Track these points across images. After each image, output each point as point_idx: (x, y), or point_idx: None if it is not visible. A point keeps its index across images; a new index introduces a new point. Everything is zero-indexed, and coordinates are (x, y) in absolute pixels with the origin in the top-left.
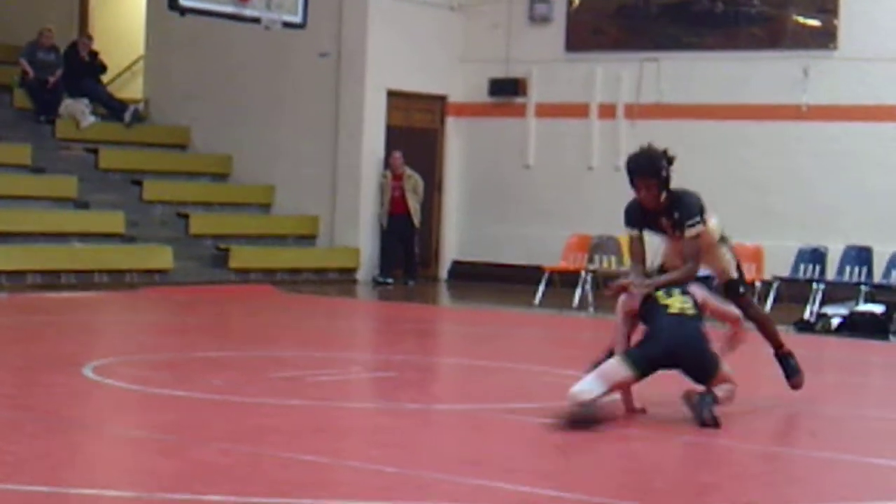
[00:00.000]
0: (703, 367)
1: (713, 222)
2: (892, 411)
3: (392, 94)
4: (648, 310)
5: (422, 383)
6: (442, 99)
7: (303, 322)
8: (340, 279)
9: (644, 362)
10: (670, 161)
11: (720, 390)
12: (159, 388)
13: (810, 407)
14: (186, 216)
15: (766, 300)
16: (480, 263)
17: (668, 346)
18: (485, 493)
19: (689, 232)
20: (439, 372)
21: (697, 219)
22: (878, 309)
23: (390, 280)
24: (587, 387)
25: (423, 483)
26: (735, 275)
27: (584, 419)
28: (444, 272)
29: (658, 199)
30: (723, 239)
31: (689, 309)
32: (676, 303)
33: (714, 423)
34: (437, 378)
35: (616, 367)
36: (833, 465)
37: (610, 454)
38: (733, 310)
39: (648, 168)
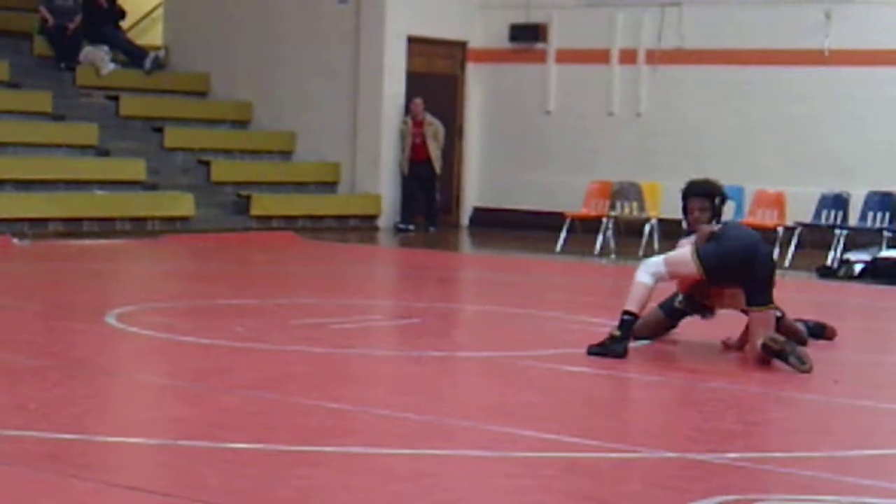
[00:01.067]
0: (768, 284)
1: None
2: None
3: (412, 41)
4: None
5: (444, 330)
6: (462, 45)
7: (324, 269)
8: (361, 226)
9: (715, 259)
10: (724, 198)
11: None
12: (182, 336)
13: (832, 353)
14: (207, 163)
15: (788, 246)
16: (501, 210)
17: (745, 246)
18: (510, 440)
19: None
20: (461, 319)
21: None
22: None
23: (411, 227)
24: (650, 270)
25: (448, 430)
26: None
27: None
28: (465, 219)
29: (697, 220)
30: None
31: None
32: None
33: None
34: (459, 325)
35: (685, 257)
36: (855, 411)
37: (632, 400)
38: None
39: (704, 190)
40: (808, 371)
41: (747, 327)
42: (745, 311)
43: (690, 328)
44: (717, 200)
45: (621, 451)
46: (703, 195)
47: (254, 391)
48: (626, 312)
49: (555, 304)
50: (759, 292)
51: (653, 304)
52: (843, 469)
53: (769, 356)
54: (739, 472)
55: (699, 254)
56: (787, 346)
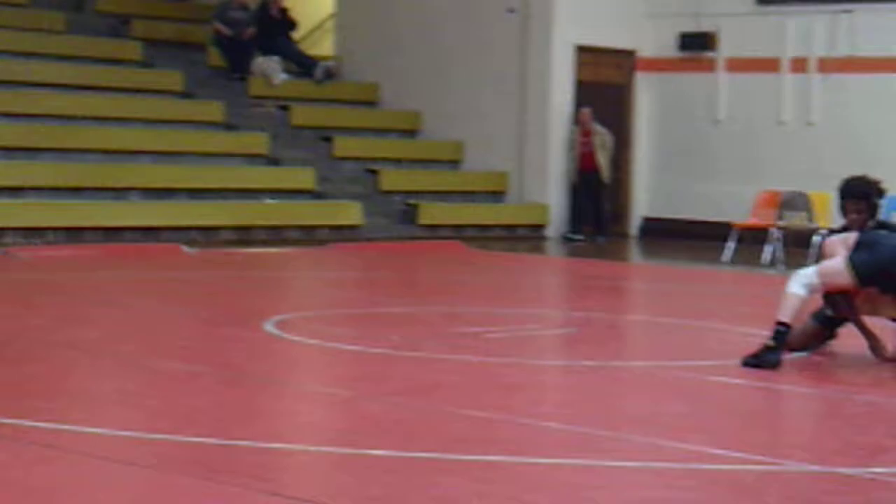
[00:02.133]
0: None
1: None
2: None
3: (580, 50)
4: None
5: (601, 340)
6: (631, 54)
7: (489, 278)
8: (529, 235)
9: (868, 268)
10: (881, 193)
11: None
12: (337, 343)
13: None
14: (376, 172)
15: None
16: (670, 220)
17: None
18: (654, 450)
19: None
20: (620, 329)
21: None
22: None
23: (580, 237)
24: (803, 281)
25: (592, 440)
26: None
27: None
28: (634, 229)
29: (864, 225)
30: None
31: None
32: None
33: None
34: (617, 335)
35: (838, 267)
36: None
37: (781, 412)
38: None
39: (859, 191)
40: None
41: None
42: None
43: (846, 339)
44: (873, 200)
45: (765, 464)
46: (859, 197)
47: (401, 399)
48: (779, 323)
49: (717, 314)
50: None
51: (806, 315)
52: None
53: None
54: (884, 487)
55: (853, 263)
56: None
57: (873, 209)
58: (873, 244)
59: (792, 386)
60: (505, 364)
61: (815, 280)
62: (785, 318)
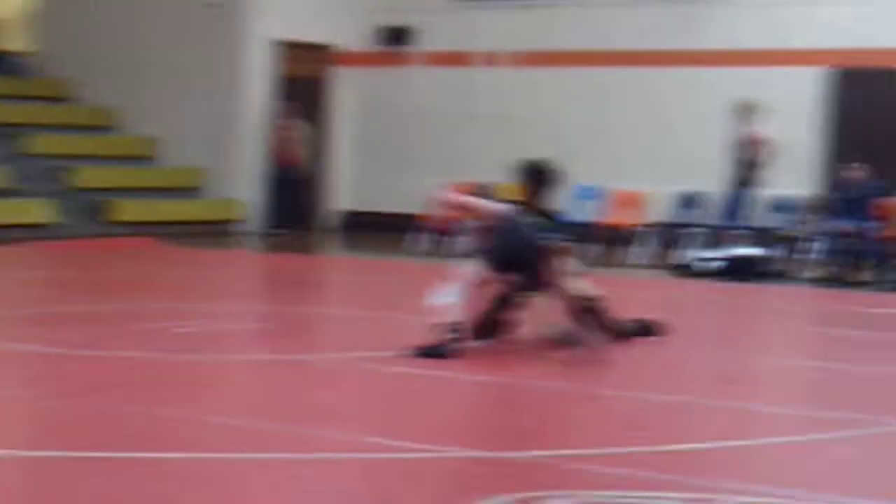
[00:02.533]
0: (540, 272)
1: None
2: (721, 352)
3: (279, 44)
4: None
5: (285, 334)
6: (329, 48)
7: (181, 274)
8: (227, 231)
9: (491, 258)
10: (546, 176)
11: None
12: (17, 344)
13: (659, 350)
14: (69, 169)
15: (646, 245)
16: (370, 213)
17: (511, 241)
18: (314, 441)
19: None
20: (307, 322)
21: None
22: (755, 252)
23: (279, 231)
24: (447, 299)
25: (260, 434)
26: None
27: (435, 354)
28: (333, 222)
29: (531, 199)
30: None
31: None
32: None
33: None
34: (302, 328)
35: (471, 269)
36: (667, 407)
37: (449, 400)
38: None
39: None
40: (589, 362)
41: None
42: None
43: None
44: (538, 181)
45: (423, 451)
46: (525, 178)
47: (77, 399)
48: (452, 316)
49: (406, 305)
50: (531, 281)
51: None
52: (643, 464)
53: (551, 343)
54: (541, 469)
55: (485, 254)
56: (565, 336)
57: (538, 190)
58: (503, 232)
59: (462, 374)
60: (190, 360)
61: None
62: (452, 318)
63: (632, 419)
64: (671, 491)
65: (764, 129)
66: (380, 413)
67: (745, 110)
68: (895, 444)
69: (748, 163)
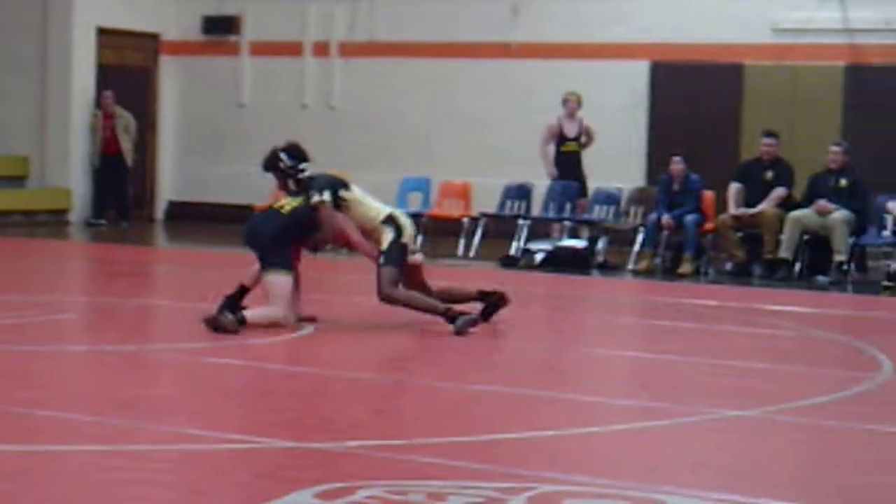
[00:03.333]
0: (266, 254)
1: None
2: (551, 342)
3: (103, 32)
4: None
5: (98, 325)
6: (155, 37)
7: (1, 265)
8: (52, 221)
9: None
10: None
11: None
12: None
13: (491, 342)
14: None
15: (473, 236)
16: (196, 203)
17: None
18: (131, 433)
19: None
20: (122, 313)
21: (316, 194)
22: (579, 244)
23: (103, 221)
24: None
25: (71, 425)
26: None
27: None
28: (159, 213)
29: (287, 187)
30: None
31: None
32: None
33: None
34: (116, 319)
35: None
36: (489, 397)
37: (268, 391)
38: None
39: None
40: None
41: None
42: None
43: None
44: (280, 165)
45: (242, 442)
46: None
47: None
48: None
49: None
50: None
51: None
52: (460, 454)
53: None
54: (354, 459)
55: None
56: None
57: (286, 172)
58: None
59: (282, 365)
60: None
61: None
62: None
63: (451, 409)
64: (486, 480)
65: (589, 121)
66: (196, 404)
67: (573, 102)
68: (699, 433)
69: (575, 155)
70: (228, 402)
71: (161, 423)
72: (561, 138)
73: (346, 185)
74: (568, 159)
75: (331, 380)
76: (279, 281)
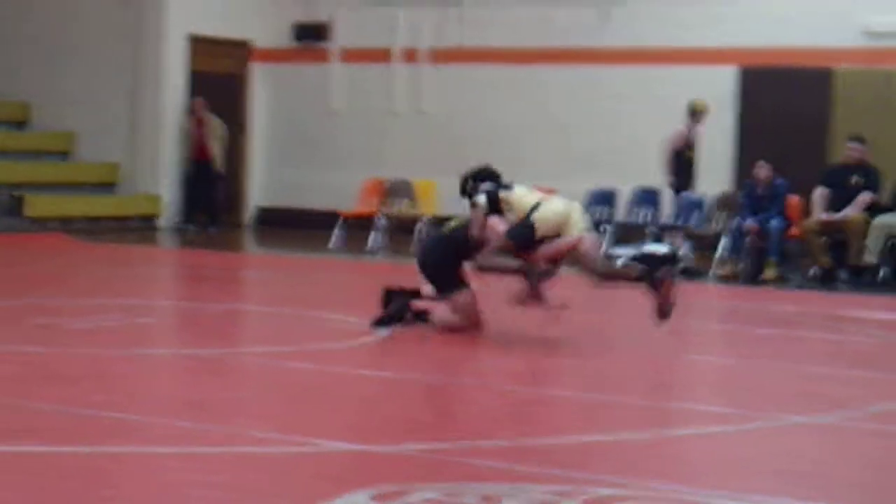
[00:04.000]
0: (434, 277)
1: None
2: (631, 348)
3: (195, 40)
4: None
5: (181, 329)
6: (245, 44)
7: (90, 270)
8: (142, 227)
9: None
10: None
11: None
12: None
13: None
14: None
15: None
16: (284, 209)
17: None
18: (200, 435)
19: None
20: (208, 317)
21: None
22: (663, 249)
23: (192, 227)
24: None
25: (135, 427)
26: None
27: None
28: (248, 218)
29: None
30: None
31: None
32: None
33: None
34: (200, 324)
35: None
36: (552, 402)
37: (339, 394)
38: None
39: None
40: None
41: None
42: None
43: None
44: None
45: (304, 444)
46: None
47: None
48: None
49: (314, 301)
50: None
51: None
52: (519, 457)
53: None
54: (413, 461)
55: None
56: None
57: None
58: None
59: (359, 370)
60: (71, 355)
61: None
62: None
63: (517, 412)
64: (542, 483)
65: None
66: (265, 407)
67: (699, 111)
68: (774, 439)
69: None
70: (296, 405)
71: (227, 425)
72: (685, 145)
73: (507, 186)
74: (690, 167)
75: (399, 383)
76: (453, 302)
